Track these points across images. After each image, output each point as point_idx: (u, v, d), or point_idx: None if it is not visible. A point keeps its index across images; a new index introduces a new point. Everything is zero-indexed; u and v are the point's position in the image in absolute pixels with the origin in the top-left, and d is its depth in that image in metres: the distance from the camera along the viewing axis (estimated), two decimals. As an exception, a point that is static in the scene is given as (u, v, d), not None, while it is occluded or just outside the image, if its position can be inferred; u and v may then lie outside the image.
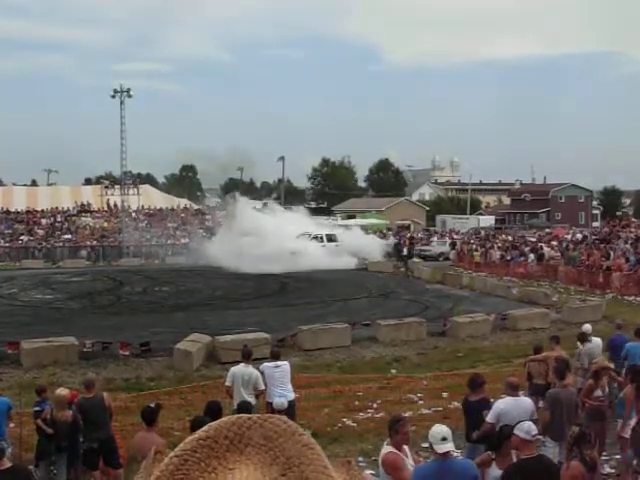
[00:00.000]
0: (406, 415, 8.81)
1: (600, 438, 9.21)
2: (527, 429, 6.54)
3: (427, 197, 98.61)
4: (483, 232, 56.03)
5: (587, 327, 13.64)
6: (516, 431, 6.58)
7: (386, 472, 6.45)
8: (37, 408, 9.41)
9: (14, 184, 70.22)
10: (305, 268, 35.71)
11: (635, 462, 7.82)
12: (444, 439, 6.17)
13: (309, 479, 0.89)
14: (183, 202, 62.15)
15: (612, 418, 10.31)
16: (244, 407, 8.48)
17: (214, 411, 8.17)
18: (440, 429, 6.31)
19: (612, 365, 12.04)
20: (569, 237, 46.51)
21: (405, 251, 40.84)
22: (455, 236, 54.78)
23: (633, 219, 68.36)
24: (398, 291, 29.42)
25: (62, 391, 9.50)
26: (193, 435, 0.95)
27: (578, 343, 12.97)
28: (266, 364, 11.27)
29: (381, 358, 17.44)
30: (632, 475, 8.36)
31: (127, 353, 16.80)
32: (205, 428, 0.95)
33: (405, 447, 6.62)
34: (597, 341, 12.92)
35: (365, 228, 51.57)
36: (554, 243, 41.49)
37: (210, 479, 0.90)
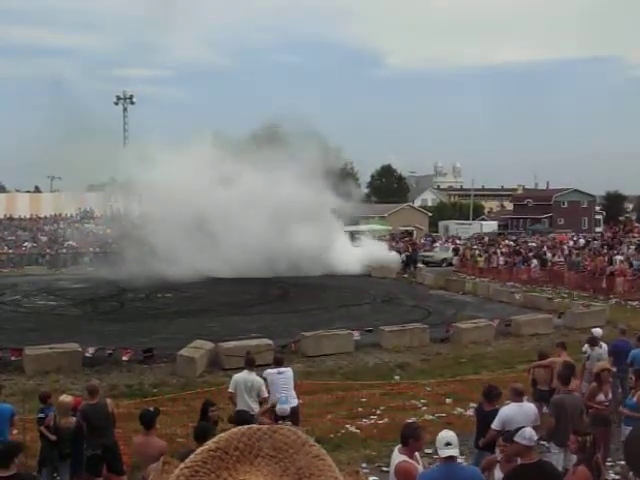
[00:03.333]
0: (411, 421, 8.80)
1: (603, 443, 9.18)
2: (528, 435, 6.52)
3: (429, 203, 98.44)
4: (487, 238, 55.94)
5: (597, 331, 13.59)
6: (517, 438, 6.56)
7: None
8: (41, 415, 9.40)
9: (17, 190, 70.36)
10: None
11: (631, 474, 7.78)
12: (448, 444, 6.15)
13: None
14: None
15: (617, 424, 10.28)
16: (243, 416, 8.47)
17: (204, 411, 8.31)
18: (446, 434, 6.30)
19: (614, 369, 12.02)
20: (571, 243, 46.44)
21: (404, 257, 40.94)
22: (457, 242, 54.71)
23: (636, 224, 68.23)
24: (401, 297, 29.39)
25: (65, 398, 9.50)
26: (203, 446, 0.95)
27: (586, 346, 12.93)
28: (269, 370, 11.26)
29: (384, 364, 17.42)
30: None
31: (127, 358, 16.77)
32: (215, 439, 0.95)
33: (416, 454, 6.58)
34: (605, 346, 12.89)
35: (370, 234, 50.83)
36: (561, 248, 41.46)
37: None
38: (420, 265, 41.27)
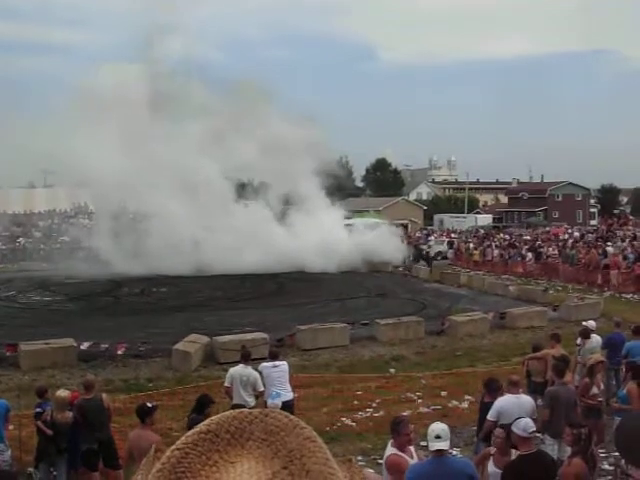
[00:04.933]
0: (405, 414, 8.84)
1: (596, 435, 9.23)
2: (524, 426, 6.56)
3: (424, 196, 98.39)
4: (482, 231, 56.00)
5: (591, 323, 13.63)
6: (513, 428, 6.61)
7: (389, 473, 6.45)
8: (38, 409, 9.40)
9: (11, 186, 70.01)
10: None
11: (623, 462, 7.82)
12: (438, 437, 6.19)
13: (311, 471, 0.90)
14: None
15: (609, 415, 10.32)
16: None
17: (201, 405, 8.30)
18: (436, 427, 6.33)
19: (609, 361, 12.07)
20: (566, 236, 46.53)
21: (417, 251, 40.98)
22: (452, 235, 54.76)
23: (631, 217, 68.42)
24: (396, 290, 29.42)
25: (63, 392, 9.50)
26: (194, 429, 0.96)
27: (579, 340, 12.97)
28: (264, 364, 11.29)
29: (380, 357, 17.45)
30: (620, 476, 8.36)
31: (121, 352, 16.73)
32: (207, 422, 0.96)
33: (410, 447, 6.62)
34: (597, 338, 12.92)
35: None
36: (557, 242, 41.54)
37: (211, 472, 0.91)
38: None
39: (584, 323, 13.82)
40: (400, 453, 6.42)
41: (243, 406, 9.56)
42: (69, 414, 9.19)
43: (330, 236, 35.96)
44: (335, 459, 0.97)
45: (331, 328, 18.72)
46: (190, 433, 0.95)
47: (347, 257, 35.32)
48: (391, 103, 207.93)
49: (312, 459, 0.91)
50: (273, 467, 0.91)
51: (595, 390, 10.18)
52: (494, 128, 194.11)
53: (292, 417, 0.97)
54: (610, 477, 9.17)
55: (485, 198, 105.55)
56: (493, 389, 8.96)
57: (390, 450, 6.50)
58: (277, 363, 11.22)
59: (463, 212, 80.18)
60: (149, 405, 8.35)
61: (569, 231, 51.23)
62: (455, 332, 19.68)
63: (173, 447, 0.93)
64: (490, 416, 8.27)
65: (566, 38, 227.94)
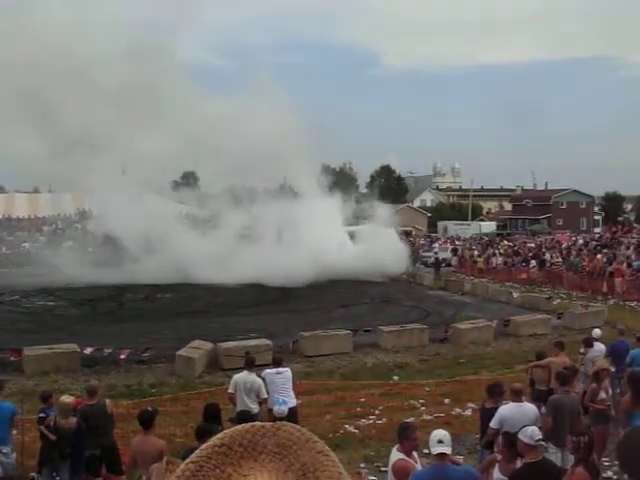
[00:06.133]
0: (409, 421, 8.81)
1: (603, 441, 9.21)
2: (530, 434, 6.54)
3: (428, 203, 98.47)
4: (486, 238, 55.93)
5: (596, 332, 13.61)
6: (520, 436, 6.59)
7: (395, 478, 6.44)
8: (41, 414, 9.40)
9: (16, 191, 70.22)
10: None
11: (626, 477, 7.76)
12: (440, 442, 6.18)
13: None
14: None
15: (615, 422, 10.28)
16: (244, 416, 8.48)
17: (211, 415, 8.25)
18: (438, 432, 6.34)
19: (612, 369, 12.03)
20: (571, 244, 46.40)
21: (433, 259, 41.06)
22: (456, 242, 54.71)
23: (635, 224, 68.23)
24: (400, 297, 29.38)
25: (66, 398, 9.50)
26: (208, 442, 0.96)
27: (582, 348, 12.93)
28: (268, 370, 11.27)
29: (383, 364, 17.43)
30: None
31: (124, 356, 16.72)
32: (220, 435, 0.97)
33: (414, 453, 6.62)
34: (601, 347, 12.89)
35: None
36: (560, 249, 41.41)
37: None
38: (418, 265, 41.27)
39: (592, 331, 13.76)
40: (407, 458, 6.43)
41: (248, 412, 9.56)
42: (73, 420, 9.19)
43: (324, 243, 33.43)
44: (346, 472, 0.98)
45: (334, 335, 18.71)
46: (204, 446, 0.95)
47: (341, 266, 33.22)
48: (395, 109, 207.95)
49: (325, 473, 0.91)
50: None
51: (603, 395, 10.14)
52: (498, 135, 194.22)
53: (305, 431, 0.98)
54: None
55: (489, 205, 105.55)
56: (496, 393, 8.94)
57: (397, 455, 6.50)
58: (280, 370, 11.21)
59: (467, 219, 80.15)
60: (150, 410, 8.36)
61: (573, 239, 51.06)
62: (459, 339, 19.65)
63: (188, 460, 0.94)
64: (493, 424, 8.25)
65: (569, 44, 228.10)
